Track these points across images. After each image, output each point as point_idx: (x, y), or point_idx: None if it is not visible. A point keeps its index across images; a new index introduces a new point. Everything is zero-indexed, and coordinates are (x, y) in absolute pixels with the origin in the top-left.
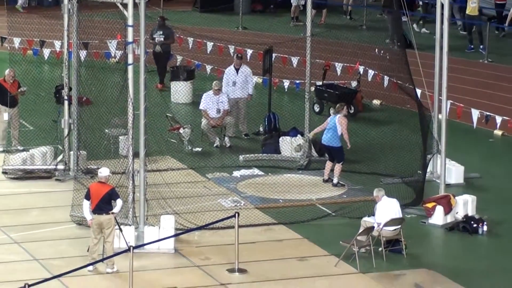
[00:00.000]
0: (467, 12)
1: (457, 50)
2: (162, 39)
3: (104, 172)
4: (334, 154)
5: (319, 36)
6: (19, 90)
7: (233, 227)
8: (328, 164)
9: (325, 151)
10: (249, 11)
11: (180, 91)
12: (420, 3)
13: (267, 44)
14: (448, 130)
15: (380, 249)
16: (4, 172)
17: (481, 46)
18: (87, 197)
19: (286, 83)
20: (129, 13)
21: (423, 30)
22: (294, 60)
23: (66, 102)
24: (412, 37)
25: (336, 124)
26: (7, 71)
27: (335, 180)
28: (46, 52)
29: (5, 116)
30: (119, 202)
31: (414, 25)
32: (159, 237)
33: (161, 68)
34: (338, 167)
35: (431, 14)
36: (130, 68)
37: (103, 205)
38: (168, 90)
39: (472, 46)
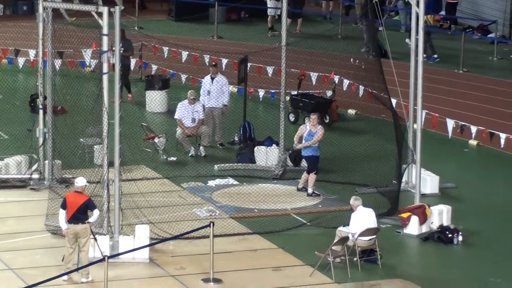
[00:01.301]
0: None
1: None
2: (121, 51)
3: (80, 182)
4: (309, 164)
5: (294, 45)
6: None
7: (208, 236)
8: (306, 174)
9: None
10: (224, 20)
11: (155, 100)
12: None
13: (242, 53)
14: (423, 140)
15: (355, 259)
16: None
17: (435, 56)
18: (63, 206)
19: (261, 93)
20: (104, 22)
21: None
22: (270, 70)
23: (41, 111)
24: (387, 47)
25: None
26: None
27: (309, 190)
28: (21, 61)
29: None
30: (95, 212)
31: (407, 40)
32: (134, 246)
33: (124, 80)
34: (312, 177)
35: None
36: (105, 77)
37: (79, 215)
38: (142, 99)
39: (436, 56)
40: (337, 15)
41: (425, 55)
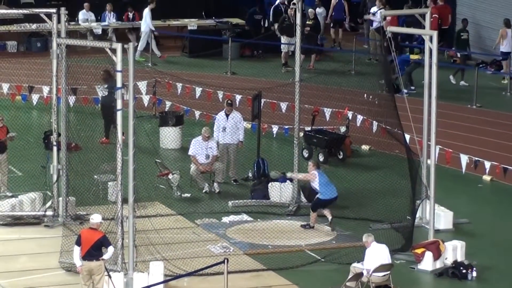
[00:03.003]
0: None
1: (446, 95)
2: (106, 92)
3: (96, 218)
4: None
5: (308, 81)
6: (7, 136)
7: (222, 273)
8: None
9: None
10: (238, 56)
11: (169, 136)
12: (458, 55)
13: (256, 89)
14: (437, 176)
15: None
16: None
17: (412, 87)
18: (78, 243)
19: (275, 129)
20: (118, 59)
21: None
22: (283, 105)
23: (55, 148)
24: (401, 82)
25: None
26: None
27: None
28: (35, 97)
29: None
30: (110, 249)
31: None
32: (148, 283)
33: (107, 121)
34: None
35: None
36: (119, 114)
37: (94, 252)
38: (156, 135)
39: (413, 87)
40: (350, 51)
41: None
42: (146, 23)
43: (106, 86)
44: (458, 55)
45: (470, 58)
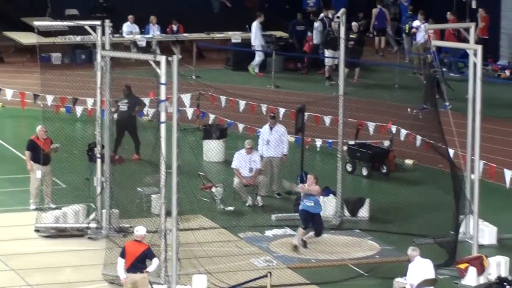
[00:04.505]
0: None
1: (490, 109)
2: (126, 108)
3: (140, 231)
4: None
5: (351, 95)
6: (51, 147)
7: (265, 287)
8: (301, 231)
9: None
10: (282, 70)
11: (212, 149)
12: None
13: (299, 102)
14: (481, 191)
15: None
16: (37, 230)
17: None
18: (122, 255)
19: (319, 142)
20: (162, 71)
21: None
22: (327, 119)
23: (98, 160)
24: (445, 96)
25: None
26: (38, 128)
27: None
28: (79, 109)
29: (38, 174)
30: (155, 262)
31: None
32: None
33: (119, 137)
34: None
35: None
36: (162, 126)
37: (138, 264)
38: (200, 148)
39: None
40: (394, 65)
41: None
42: (257, 38)
43: (126, 101)
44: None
45: None
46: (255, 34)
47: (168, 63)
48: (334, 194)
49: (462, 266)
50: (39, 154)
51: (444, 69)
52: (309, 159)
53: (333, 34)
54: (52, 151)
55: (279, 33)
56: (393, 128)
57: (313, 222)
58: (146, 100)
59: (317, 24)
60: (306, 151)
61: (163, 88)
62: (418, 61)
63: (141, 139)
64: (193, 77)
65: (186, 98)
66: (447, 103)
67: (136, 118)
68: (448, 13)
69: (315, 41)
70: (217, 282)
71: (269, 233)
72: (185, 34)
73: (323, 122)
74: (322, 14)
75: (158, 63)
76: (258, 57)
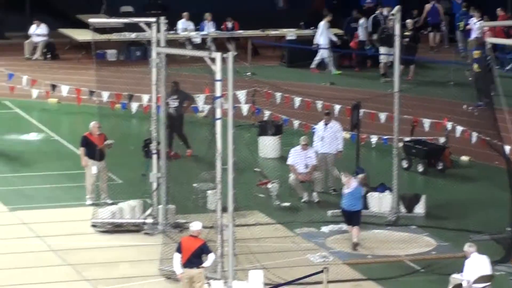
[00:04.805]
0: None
1: None
2: (177, 103)
3: (196, 226)
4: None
5: (406, 92)
6: (105, 143)
7: (321, 282)
8: (350, 228)
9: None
10: (337, 66)
11: (268, 146)
12: None
13: (354, 99)
14: None
15: None
16: (94, 225)
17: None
18: (178, 250)
19: (374, 139)
20: (217, 68)
21: None
22: (382, 116)
23: (154, 156)
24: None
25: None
26: (92, 124)
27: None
28: (134, 106)
29: (93, 170)
30: (211, 257)
31: None
32: None
33: (171, 132)
34: (356, 229)
35: None
36: (218, 123)
37: (194, 259)
38: (255, 144)
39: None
40: (449, 62)
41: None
42: (323, 36)
43: (175, 97)
44: None
45: None
46: (321, 32)
47: (223, 60)
48: (390, 190)
49: None
50: (93, 150)
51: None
52: (364, 155)
53: (388, 31)
54: (106, 147)
55: (334, 30)
56: (449, 125)
57: (351, 219)
58: (201, 97)
59: (362, 21)
60: (362, 147)
61: (218, 85)
62: (471, 59)
63: (191, 135)
64: (248, 74)
65: (242, 94)
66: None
67: (183, 114)
68: (498, 9)
69: (361, 38)
70: (273, 277)
71: (325, 229)
72: (240, 31)
73: (378, 119)
74: (377, 11)
75: (213, 60)
76: (324, 56)
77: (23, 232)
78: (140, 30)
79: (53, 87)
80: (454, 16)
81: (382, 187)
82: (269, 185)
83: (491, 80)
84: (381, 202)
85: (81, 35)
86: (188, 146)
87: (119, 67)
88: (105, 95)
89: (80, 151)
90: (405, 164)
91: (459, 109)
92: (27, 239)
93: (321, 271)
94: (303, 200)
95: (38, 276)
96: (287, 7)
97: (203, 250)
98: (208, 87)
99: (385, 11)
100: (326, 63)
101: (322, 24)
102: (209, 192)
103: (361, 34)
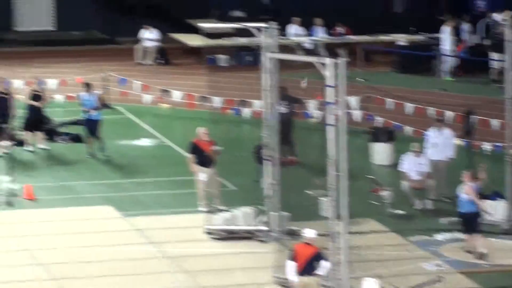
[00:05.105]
0: None
1: None
2: (287, 109)
3: (310, 233)
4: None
5: None
6: (213, 150)
7: None
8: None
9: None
10: (451, 74)
11: (380, 152)
12: None
13: (466, 106)
14: None
15: None
16: (208, 233)
17: None
18: (293, 258)
19: (487, 146)
20: (329, 74)
21: None
22: (495, 123)
23: (268, 163)
24: None
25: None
26: (199, 130)
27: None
28: (246, 111)
29: (202, 176)
30: (326, 264)
31: None
32: None
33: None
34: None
35: None
36: (330, 129)
37: (309, 267)
38: (367, 151)
39: None
40: None
41: None
42: (448, 41)
43: (286, 102)
44: None
45: None
46: (445, 38)
47: (335, 66)
48: (504, 198)
49: None
50: (201, 157)
51: None
52: (477, 162)
53: (500, 36)
54: (214, 154)
55: (436, 35)
56: None
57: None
58: (314, 103)
59: (465, 26)
60: (475, 155)
61: (330, 91)
62: None
63: (302, 140)
64: (361, 80)
65: (354, 100)
66: None
67: (292, 119)
68: None
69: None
70: (388, 286)
71: (439, 237)
72: (351, 36)
73: (491, 126)
74: (493, 15)
75: (324, 66)
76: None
77: (136, 239)
78: (251, 35)
79: (165, 92)
80: None
81: (495, 195)
82: (383, 192)
83: None
84: (495, 210)
85: (191, 40)
86: (293, 153)
87: (229, 73)
88: (217, 101)
89: (190, 158)
90: None
91: None
92: (140, 245)
93: (437, 280)
94: (416, 208)
95: (150, 282)
96: (401, 10)
97: (318, 257)
98: (320, 93)
99: (496, 16)
100: (442, 69)
101: (448, 30)
102: (321, 199)
103: (467, 39)
